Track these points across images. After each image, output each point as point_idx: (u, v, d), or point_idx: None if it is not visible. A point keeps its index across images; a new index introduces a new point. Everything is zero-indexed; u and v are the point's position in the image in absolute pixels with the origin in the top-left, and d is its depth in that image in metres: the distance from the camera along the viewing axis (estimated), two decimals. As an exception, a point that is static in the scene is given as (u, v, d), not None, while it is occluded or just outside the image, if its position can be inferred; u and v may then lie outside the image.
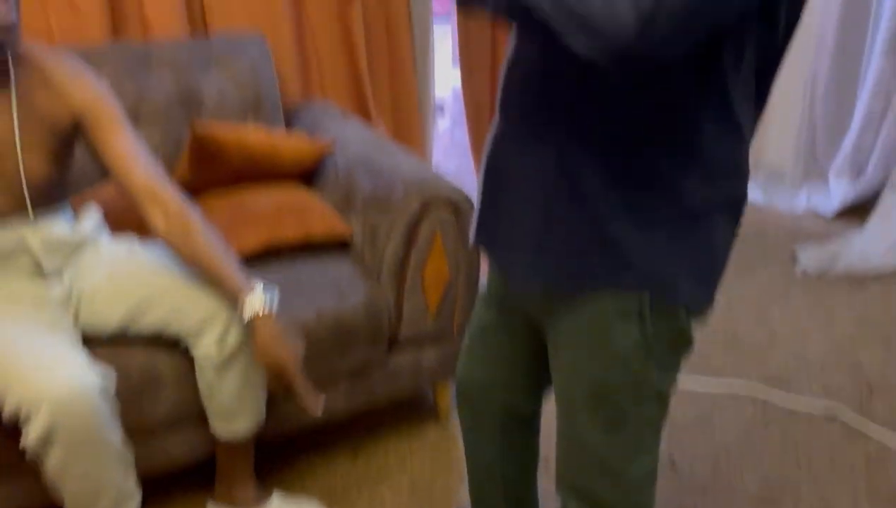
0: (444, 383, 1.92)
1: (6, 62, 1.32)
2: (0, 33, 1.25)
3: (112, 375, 1.32)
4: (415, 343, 1.77)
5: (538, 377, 1.24)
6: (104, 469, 1.25)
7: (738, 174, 0.96)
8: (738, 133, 0.93)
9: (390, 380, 1.77)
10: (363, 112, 2.41)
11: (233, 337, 1.41)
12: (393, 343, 1.74)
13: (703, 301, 0.98)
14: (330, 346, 1.62)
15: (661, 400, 1.05)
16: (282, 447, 1.81)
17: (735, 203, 0.97)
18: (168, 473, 1.59)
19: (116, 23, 2.02)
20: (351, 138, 2.01)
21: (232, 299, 1.36)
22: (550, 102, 0.93)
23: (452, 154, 3.58)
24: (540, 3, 0.77)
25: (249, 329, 1.35)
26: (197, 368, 1.45)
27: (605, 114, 0.90)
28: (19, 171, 1.35)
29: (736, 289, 2.57)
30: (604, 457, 1.07)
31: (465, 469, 1.39)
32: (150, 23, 2.04)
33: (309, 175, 1.97)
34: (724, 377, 2.12)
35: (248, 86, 2.03)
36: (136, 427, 1.45)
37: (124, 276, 1.45)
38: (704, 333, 2.33)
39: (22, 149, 1.34)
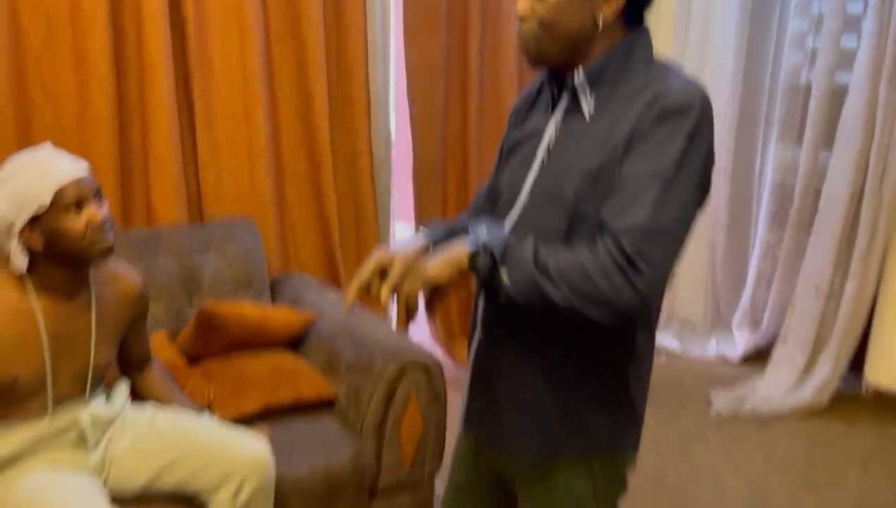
0: (417, 529, 2.15)
1: (88, 271, 1.59)
2: (103, 255, 1.53)
3: None
4: (392, 491, 2.02)
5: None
6: None
7: (648, 355, 1.31)
8: (653, 329, 1.29)
9: (370, 527, 2.00)
10: (335, 281, 2.74)
11: (245, 493, 1.64)
12: (373, 492, 1.99)
13: (636, 444, 1.30)
14: (321, 498, 1.86)
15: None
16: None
17: (645, 373, 1.30)
18: None
19: (126, 209, 2.33)
20: (330, 308, 2.32)
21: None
22: (527, 326, 1.23)
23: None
24: (558, 295, 1.06)
25: None
26: None
27: (573, 335, 1.20)
28: (89, 362, 1.59)
29: (661, 433, 2.92)
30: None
31: None
32: (155, 210, 2.36)
33: (295, 341, 2.25)
34: (656, 513, 2.42)
35: (240, 265, 2.34)
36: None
37: (149, 442, 1.68)
38: (636, 475, 2.65)
39: (95, 344, 1.60)
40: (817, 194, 3.18)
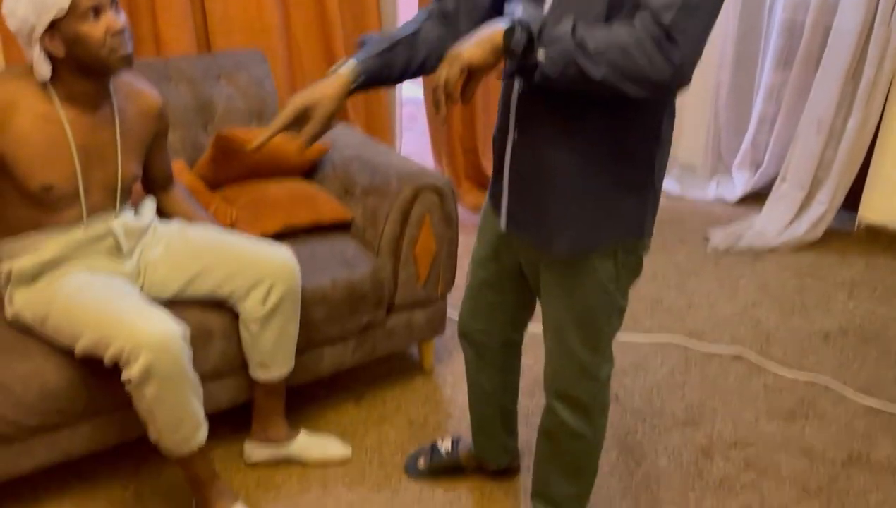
0: (429, 343, 2.30)
1: (110, 82, 1.63)
2: (123, 63, 1.55)
3: (188, 327, 1.63)
4: (407, 307, 2.15)
5: (524, 312, 1.64)
6: (187, 401, 1.56)
7: (669, 139, 1.37)
8: (674, 116, 1.35)
9: (388, 338, 2.14)
10: (342, 113, 2.76)
11: (275, 295, 1.75)
12: (390, 307, 2.11)
13: (651, 232, 1.39)
14: (343, 309, 1.98)
15: (622, 316, 1.47)
16: (295, 396, 2.15)
17: (666, 159, 1.37)
18: (208, 416, 1.90)
19: (134, 40, 2.31)
20: (341, 138, 2.37)
21: None
22: (562, 116, 1.28)
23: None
24: (595, 71, 1.09)
25: None
26: (242, 323, 1.79)
27: (606, 121, 1.25)
28: (117, 174, 1.66)
29: (659, 265, 3.06)
30: (585, 366, 1.47)
31: (467, 398, 1.78)
32: (163, 41, 2.35)
33: (309, 172, 2.31)
34: (653, 333, 2.58)
35: (252, 95, 2.36)
36: (191, 375, 1.78)
37: (181, 251, 1.77)
38: (635, 299, 2.80)
39: (122, 155, 1.65)
40: (826, 30, 3.15)
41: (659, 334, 2.57)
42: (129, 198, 1.74)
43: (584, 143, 1.28)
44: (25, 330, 1.66)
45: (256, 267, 1.75)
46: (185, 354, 1.53)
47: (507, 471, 1.91)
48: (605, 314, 1.42)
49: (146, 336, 1.48)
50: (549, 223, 1.36)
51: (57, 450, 1.69)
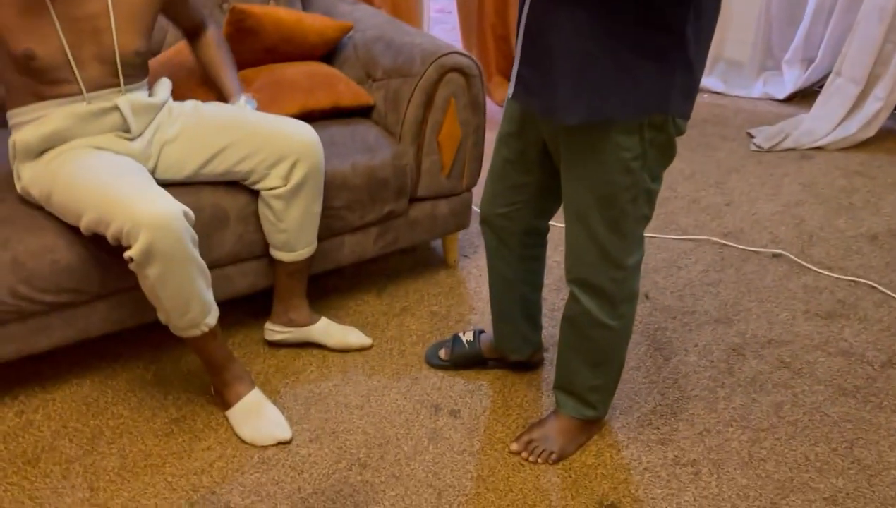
0: (453, 236, 2.23)
1: None
2: None
3: (191, 212, 1.58)
4: (431, 197, 2.06)
5: (548, 199, 1.55)
6: (193, 282, 1.52)
7: (709, 12, 1.24)
8: None
9: (410, 229, 2.07)
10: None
11: (299, 172, 1.68)
12: (413, 197, 2.03)
13: (686, 112, 1.28)
14: (363, 195, 1.91)
15: (651, 200, 1.37)
16: (316, 285, 2.11)
17: (706, 35, 1.25)
18: (227, 302, 1.88)
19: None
20: (363, 20, 2.23)
21: (226, 97, 1.80)
22: None
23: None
24: None
25: None
26: (263, 202, 1.73)
27: None
28: (114, 47, 1.56)
29: (698, 164, 2.91)
30: (608, 251, 1.39)
31: (488, 287, 1.71)
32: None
33: (329, 54, 2.20)
34: (689, 233, 2.48)
35: (269, -29, 2.22)
36: (207, 260, 1.74)
37: (199, 130, 1.69)
38: (671, 198, 2.68)
39: (116, 28, 1.56)
40: None
41: (694, 233, 2.46)
42: (136, 74, 1.65)
43: (603, 5, 1.16)
44: (36, 205, 1.62)
45: (279, 143, 1.67)
46: (186, 234, 1.47)
47: (529, 364, 1.87)
48: (630, 195, 1.33)
49: (145, 215, 1.42)
50: (557, 87, 1.25)
51: (74, 329, 1.68)
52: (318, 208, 1.77)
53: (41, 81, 1.54)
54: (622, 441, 1.68)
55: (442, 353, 1.88)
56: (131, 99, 1.63)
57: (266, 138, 1.68)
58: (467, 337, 1.88)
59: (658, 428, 1.71)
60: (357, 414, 1.74)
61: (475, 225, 2.47)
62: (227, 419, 1.70)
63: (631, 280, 1.45)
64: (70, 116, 1.56)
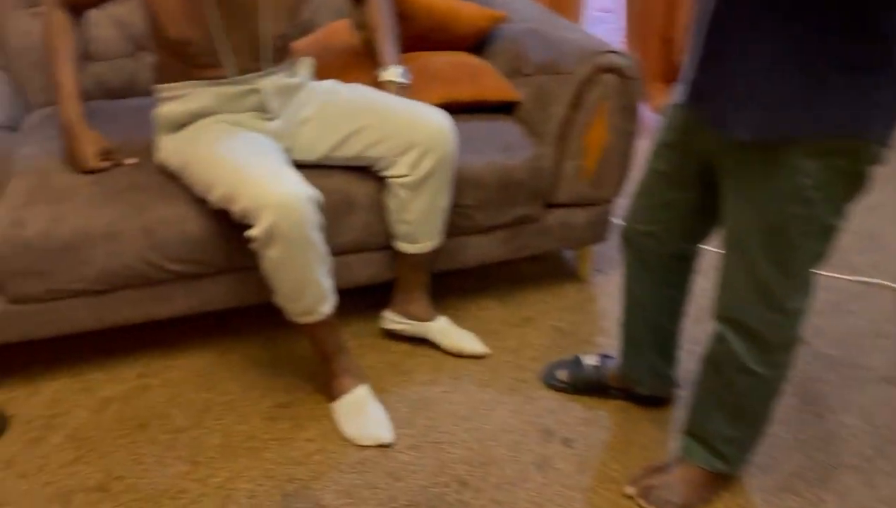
0: (588, 248, 2.08)
1: None
2: None
3: (320, 194, 1.54)
4: (568, 204, 1.92)
5: (702, 221, 1.37)
6: (311, 268, 1.48)
7: None
8: None
9: (542, 236, 1.94)
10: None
11: (427, 162, 1.60)
12: (549, 202, 1.90)
13: (888, 138, 1.07)
14: (495, 195, 1.80)
15: (828, 238, 1.16)
16: (438, 284, 2.03)
17: None
18: (347, 291, 1.84)
19: None
20: (518, 11, 2.12)
21: (380, 63, 1.76)
22: None
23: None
24: None
25: (381, 86, 1.74)
26: (389, 190, 1.66)
27: None
28: (262, 32, 1.54)
29: (884, 194, 2.57)
30: (768, 289, 1.20)
31: (621, 309, 1.56)
32: None
33: (479, 45, 2.10)
34: (860, 273, 2.18)
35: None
36: (330, 246, 1.69)
37: (334, 112, 1.66)
38: (844, 231, 2.37)
39: (261, 15, 1.53)
40: None
41: (868, 275, 2.16)
42: (281, 58, 1.63)
43: (794, 7, 0.98)
44: (172, 176, 1.64)
45: (410, 130, 1.60)
46: (310, 219, 1.42)
47: (658, 400, 1.69)
48: (803, 228, 1.13)
49: (272, 196, 1.39)
50: (734, 96, 1.08)
51: (196, 300, 1.69)
52: (444, 202, 1.68)
53: (191, 64, 1.54)
54: (756, 503, 1.47)
55: (561, 374, 1.74)
56: (273, 81, 1.61)
57: (398, 124, 1.61)
58: (592, 360, 1.73)
59: (800, 495, 1.49)
60: (463, 426, 1.64)
61: (613, 239, 2.30)
62: (331, 411, 1.65)
63: (790, 325, 1.25)
64: (214, 96, 1.56)
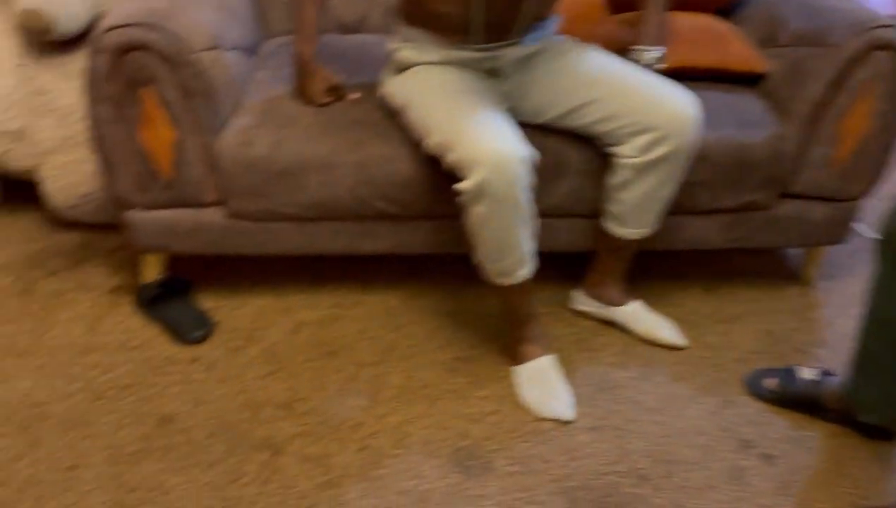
0: (819, 248, 1.84)
1: None
2: None
3: (537, 154, 1.46)
4: (807, 196, 1.70)
5: None
6: (516, 231, 1.41)
7: None
8: None
9: (769, 229, 1.74)
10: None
11: (661, 149, 1.45)
12: (784, 191, 1.69)
13: None
14: (724, 175, 1.62)
15: None
16: (640, 261, 1.89)
17: None
18: (545, 256, 1.76)
19: None
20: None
21: (638, 38, 1.64)
22: None
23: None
24: None
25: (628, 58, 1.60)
26: (612, 167, 1.54)
27: None
28: (519, 10, 1.45)
29: None
30: None
31: (852, 325, 1.35)
32: None
33: (727, 8, 1.90)
34: None
35: None
36: (537, 207, 1.62)
37: (567, 79, 1.54)
38: None
39: None
40: None
41: None
42: (531, 28, 1.53)
43: None
44: (391, 114, 1.63)
45: (650, 111, 1.45)
46: (522, 180, 1.35)
47: (884, 433, 1.46)
48: None
49: (486, 153, 1.33)
50: None
51: (395, 241, 1.69)
52: (668, 192, 1.53)
53: (436, 27, 1.50)
54: None
55: (770, 383, 1.56)
56: (516, 52, 1.53)
57: (638, 104, 1.46)
58: (809, 374, 1.53)
59: None
60: (650, 418, 1.52)
61: (854, 244, 2.03)
62: (512, 374, 1.60)
63: None
64: (451, 57, 1.52)
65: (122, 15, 1.46)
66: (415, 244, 1.71)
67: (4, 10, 1.90)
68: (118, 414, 1.49)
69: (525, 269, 1.49)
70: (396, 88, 1.59)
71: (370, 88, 1.71)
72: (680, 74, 1.73)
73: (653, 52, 1.62)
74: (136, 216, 1.63)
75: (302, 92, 1.65)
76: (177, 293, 1.75)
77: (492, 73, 1.56)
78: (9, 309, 1.74)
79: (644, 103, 1.46)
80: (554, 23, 1.61)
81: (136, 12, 1.47)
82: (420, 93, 1.51)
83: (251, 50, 1.85)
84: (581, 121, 1.54)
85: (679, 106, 1.45)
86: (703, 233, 1.73)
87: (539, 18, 1.53)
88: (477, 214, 1.40)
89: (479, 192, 1.36)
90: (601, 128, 1.52)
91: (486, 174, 1.34)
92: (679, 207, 1.67)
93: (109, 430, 1.46)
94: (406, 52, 1.56)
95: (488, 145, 1.34)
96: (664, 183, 1.51)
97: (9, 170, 1.92)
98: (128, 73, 1.45)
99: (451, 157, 1.39)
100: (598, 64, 1.55)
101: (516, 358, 1.60)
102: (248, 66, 1.79)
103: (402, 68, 1.58)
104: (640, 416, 1.52)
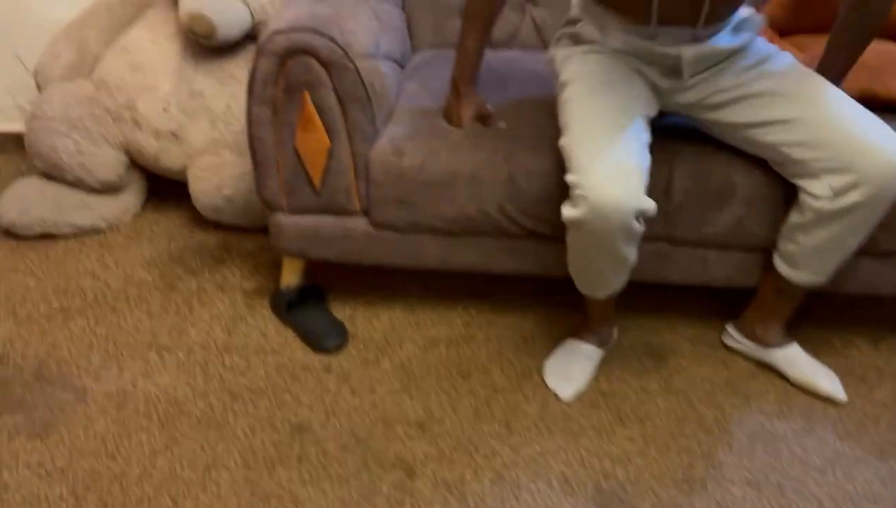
0: None
1: None
2: None
3: (653, 207, 1.29)
4: None
5: None
6: (604, 270, 1.41)
7: None
8: None
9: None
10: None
11: (855, 195, 1.30)
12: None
13: None
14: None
15: None
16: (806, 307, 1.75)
17: None
18: (694, 289, 1.65)
19: None
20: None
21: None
22: None
23: None
24: None
25: None
26: (798, 203, 1.40)
27: None
28: None
29: None
30: None
31: None
32: None
33: (914, 33, 1.75)
34: None
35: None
36: (689, 235, 1.52)
37: (762, 87, 1.39)
38: None
39: None
40: None
41: None
42: (724, 11, 1.36)
43: None
44: (546, 122, 1.56)
45: (852, 149, 1.29)
46: (625, 233, 1.29)
47: None
48: None
49: (599, 195, 1.25)
50: None
51: (536, 261, 1.61)
52: (854, 242, 1.39)
53: (618, 6, 1.40)
54: None
55: (957, 452, 1.38)
56: (699, 49, 1.39)
57: (840, 136, 1.30)
58: None
59: None
60: (815, 477, 1.37)
61: None
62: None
63: None
64: (632, 46, 1.42)
65: (288, 19, 1.47)
66: (557, 267, 1.63)
67: (169, 16, 1.97)
68: (253, 419, 1.48)
69: (606, 293, 1.49)
70: (564, 63, 1.51)
71: (518, 106, 1.66)
72: (861, 103, 1.59)
73: None
74: (282, 219, 1.62)
75: (450, 114, 1.61)
76: (312, 300, 1.74)
77: (674, 73, 1.44)
78: (152, 304, 1.78)
79: (849, 139, 1.30)
80: (755, 24, 1.45)
81: (302, 17, 1.47)
82: (577, 87, 1.41)
83: (402, 61, 1.84)
84: (769, 138, 1.38)
85: (881, 150, 1.28)
86: (880, 277, 1.57)
87: (731, 6, 1.36)
88: (571, 238, 1.38)
89: (578, 227, 1.31)
90: (794, 155, 1.35)
91: (589, 215, 1.28)
92: (854, 248, 1.52)
93: (244, 434, 1.45)
94: (587, 28, 1.47)
95: (602, 188, 1.26)
96: (853, 232, 1.36)
97: (161, 169, 1.98)
98: (290, 77, 1.45)
99: (568, 174, 1.32)
100: (801, 78, 1.38)
101: (574, 332, 1.65)
102: (400, 77, 1.77)
103: (579, 41, 1.50)
104: (804, 475, 1.38)
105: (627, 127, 1.33)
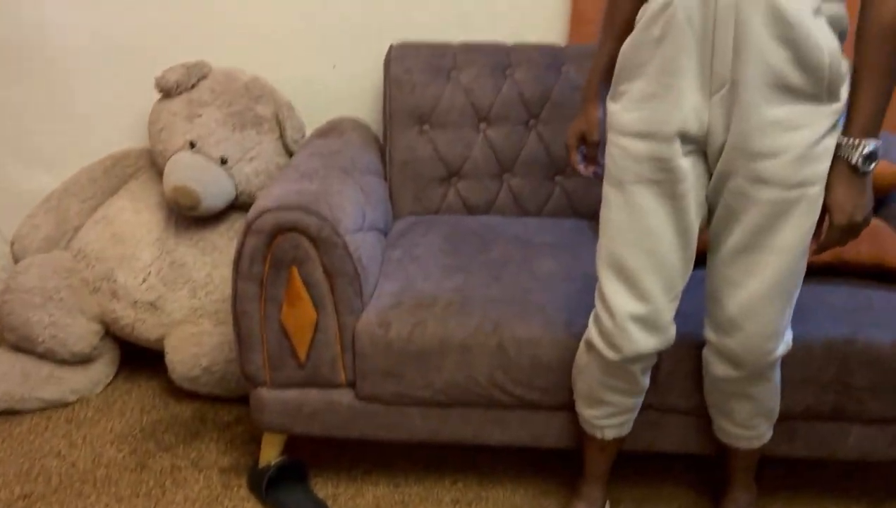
0: None
1: None
2: None
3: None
4: None
5: None
6: (609, 394, 1.40)
7: None
8: None
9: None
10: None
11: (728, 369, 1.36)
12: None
13: None
14: (897, 381, 1.48)
15: None
16: (793, 470, 1.71)
17: None
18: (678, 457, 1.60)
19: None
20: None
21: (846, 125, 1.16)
22: None
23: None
24: None
25: (831, 162, 1.17)
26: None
27: None
28: None
29: None
30: None
31: None
32: None
33: (878, 203, 1.84)
34: None
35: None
36: (683, 405, 1.50)
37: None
38: None
39: None
40: None
41: None
42: None
43: None
44: (536, 283, 1.57)
45: (734, 321, 1.29)
46: (635, 364, 1.34)
47: None
48: None
49: (614, 325, 1.29)
50: None
51: (527, 432, 1.58)
52: (767, 401, 1.43)
53: None
54: None
55: None
56: None
57: (730, 299, 1.28)
58: None
59: None
60: None
61: None
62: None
63: None
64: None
65: (276, 197, 1.49)
66: (548, 437, 1.59)
67: (152, 186, 2.00)
68: None
69: (609, 431, 1.46)
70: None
71: (501, 267, 1.68)
72: (836, 270, 1.65)
73: (864, 147, 1.14)
74: (264, 394, 1.57)
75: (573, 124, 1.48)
76: (293, 477, 1.65)
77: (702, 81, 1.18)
78: (122, 486, 1.67)
79: (737, 306, 1.27)
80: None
81: (291, 195, 1.50)
82: (609, 194, 1.28)
83: (385, 229, 1.87)
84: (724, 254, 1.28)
85: (755, 337, 1.28)
86: (871, 443, 1.56)
87: None
88: (580, 356, 1.40)
89: (589, 347, 1.35)
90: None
91: (600, 343, 1.32)
92: (844, 414, 1.51)
93: None
94: (630, 86, 1.22)
95: (619, 321, 1.28)
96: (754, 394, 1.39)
97: (136, 339, 1.93)
98: (278, 254, 1.46)
99: (596, 299, 1.34)
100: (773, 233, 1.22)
101: (568, 502, 1.59)
102: (383, 245, 1.79)
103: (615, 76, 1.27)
104: None
105: (661, 256, 1.29)
